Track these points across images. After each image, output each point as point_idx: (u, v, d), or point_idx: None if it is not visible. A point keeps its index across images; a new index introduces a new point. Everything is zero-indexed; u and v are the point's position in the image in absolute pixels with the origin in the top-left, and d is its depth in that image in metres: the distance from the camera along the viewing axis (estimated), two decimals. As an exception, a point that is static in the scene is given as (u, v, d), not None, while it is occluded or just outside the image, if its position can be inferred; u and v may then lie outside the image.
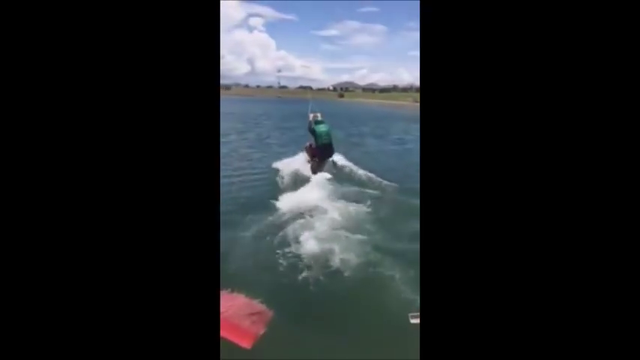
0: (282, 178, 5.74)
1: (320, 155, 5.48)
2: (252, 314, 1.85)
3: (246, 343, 1.69)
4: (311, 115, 5.49)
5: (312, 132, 5.35)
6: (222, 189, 4.80)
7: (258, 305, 1.90)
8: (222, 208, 3.97)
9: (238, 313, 1.82)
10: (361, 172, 6.18)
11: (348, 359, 1.91)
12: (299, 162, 6.19)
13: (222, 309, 1.78)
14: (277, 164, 6.49)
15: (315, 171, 5.63)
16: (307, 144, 5.77)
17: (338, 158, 5.89)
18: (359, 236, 3.42)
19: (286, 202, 4.28)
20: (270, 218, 3.92)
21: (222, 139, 9.37)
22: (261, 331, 1.80)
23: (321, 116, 5.55)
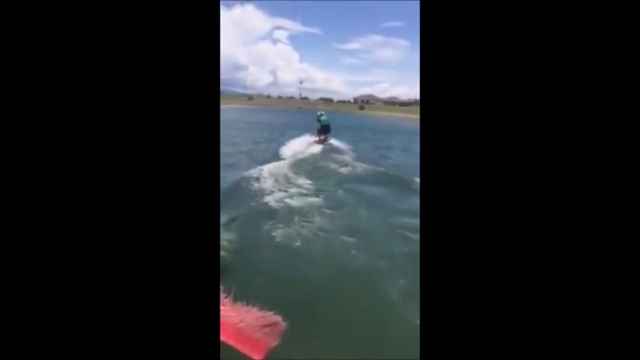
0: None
1: (323, 132, 10.70)
2: (266, 326, 1.82)
3: (257, 355, 1.67)
4: (318, 112, 11.24)
5: (318, 120, 10.80)
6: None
7: (272, 317, 1.87)
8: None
9: (252, 324, 1.80)
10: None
11: (347, 359, 1.91)
12: (301, 142, 10.22)
13: (236, 320, 1.81)
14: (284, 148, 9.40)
15: (321, 142, 10.35)
16: (316, 127, 10.86)
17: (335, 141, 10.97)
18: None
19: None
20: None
21: (253, 147, 10.12)
22: (274, 343, 1.77)
23: (325, 113, 11.15)
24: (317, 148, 9.68)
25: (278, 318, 1.88)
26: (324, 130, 10.74)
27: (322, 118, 10.81)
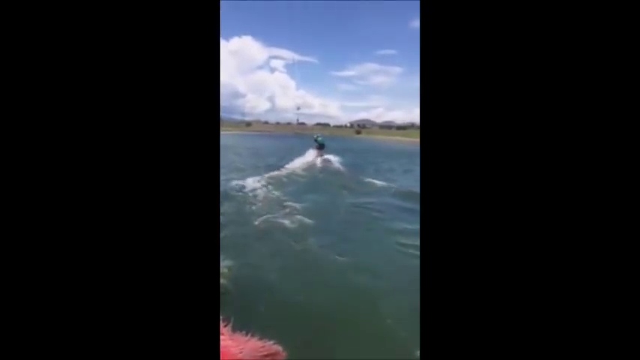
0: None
1: (320, 149, 14.35)
2: (266, 356, 1.78)
3: None
4: (315, 135, 15.75)
5: (315, 140, 14.91)
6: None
7: (272, 346, 1.85)
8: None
9: (252, 354, 1.76)
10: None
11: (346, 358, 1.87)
12: (305, 158, 13.44)
13: (236, 350, 1.76)
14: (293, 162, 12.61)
15: (319, 156, 13.66)
16: (315, 146, 14.63)
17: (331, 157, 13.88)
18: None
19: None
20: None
21: (256, 172, 10.06)
22: None
23: (320, 135, 15.61)
24: (318, 162, 13.03)
25: (278, 348, 1.83)
26: (320, 148, 15.20)
27: (319, 139, 15.70)
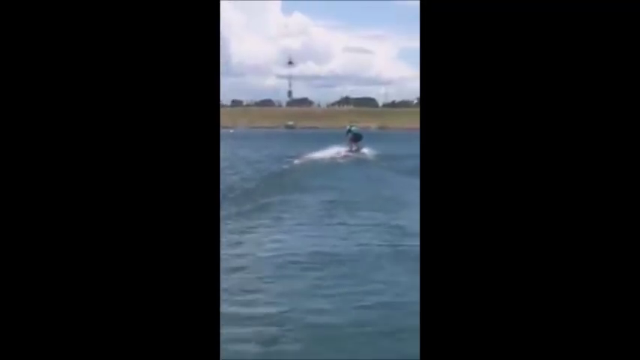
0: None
1: (355, 140, 13.95)
2: None
3: None
4: (348, 126, 15.09)
5: (349, 131, 14.34)
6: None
7: None
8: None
9: None
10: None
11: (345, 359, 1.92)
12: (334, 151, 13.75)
13: None
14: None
15: (356, 151, 13.56)
16: (349, 137, 14.05)
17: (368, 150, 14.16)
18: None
19: None
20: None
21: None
22: None
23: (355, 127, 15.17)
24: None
25: None
26: (355, 139, 14.42)
27: (353, 129, 14.80)
